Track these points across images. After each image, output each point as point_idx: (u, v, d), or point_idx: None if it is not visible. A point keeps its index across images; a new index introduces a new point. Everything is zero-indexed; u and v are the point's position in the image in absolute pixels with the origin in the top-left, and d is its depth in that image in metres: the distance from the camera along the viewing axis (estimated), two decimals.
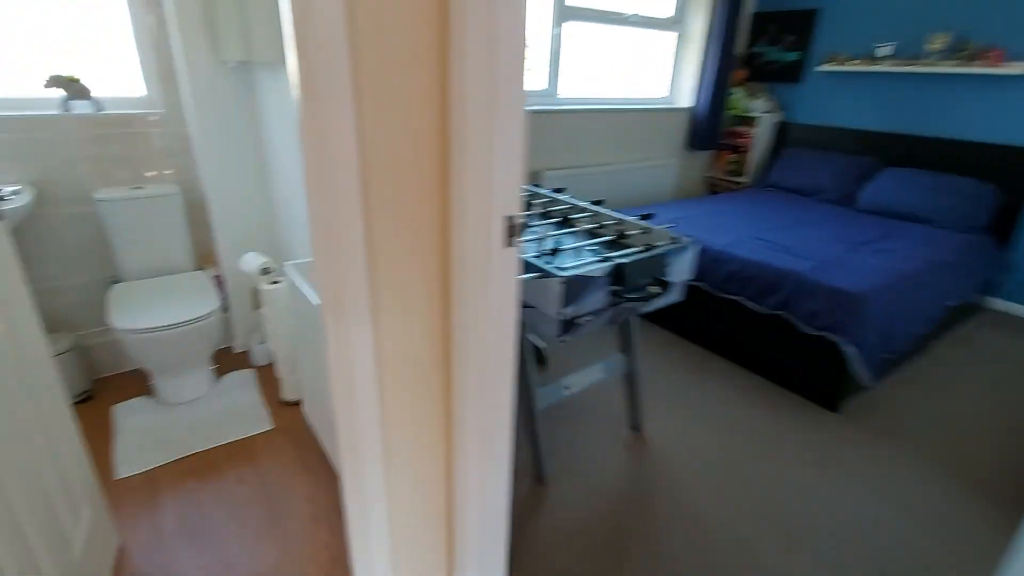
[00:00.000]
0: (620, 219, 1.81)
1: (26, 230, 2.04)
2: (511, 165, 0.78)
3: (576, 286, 1.34)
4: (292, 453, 1.88)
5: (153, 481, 1.74)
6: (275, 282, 1.94)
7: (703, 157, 4.21)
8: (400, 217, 0.78)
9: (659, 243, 1.62)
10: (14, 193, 1.88)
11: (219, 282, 2.36)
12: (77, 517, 1.27)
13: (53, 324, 2.21)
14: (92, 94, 2.02)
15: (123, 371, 2.32)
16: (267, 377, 2.31)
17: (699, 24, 3.66)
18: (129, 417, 2.01)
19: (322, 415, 1.77)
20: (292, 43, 0.65)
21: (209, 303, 2.01)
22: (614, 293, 1.43)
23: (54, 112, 1.98)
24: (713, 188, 4.33)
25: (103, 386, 2.21)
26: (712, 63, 3.65)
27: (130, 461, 1.79)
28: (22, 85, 1.97)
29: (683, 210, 3.17)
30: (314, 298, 1.55)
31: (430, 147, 0.77)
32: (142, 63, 2.15)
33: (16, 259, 1.13)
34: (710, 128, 3.84)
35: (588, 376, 1.81)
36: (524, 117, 0.78)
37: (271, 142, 2.06)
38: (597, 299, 1.40)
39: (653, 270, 1.48)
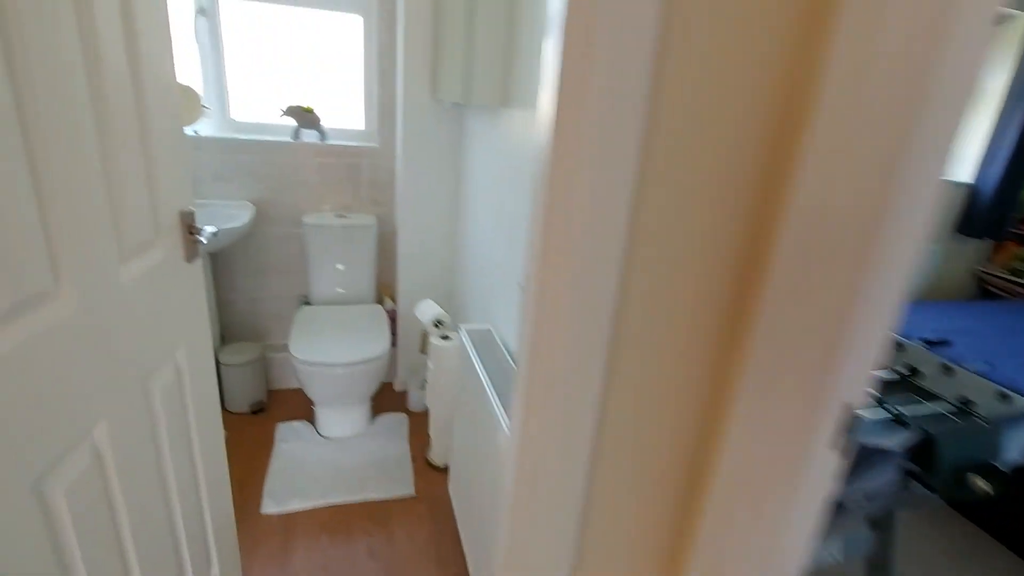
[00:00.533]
0: (901, 341, 1.28)
1: (243, 244, 2.18)
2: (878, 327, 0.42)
3: (852, 456, 0.89)
4: (428, 532, 1.66)
5: (290, 527, 1.65)
6: (446, 337, 1.78)
7: (976, 247, 3.25)
8: (661, 378, 0.46)
9: (977, 399, 1.08)
10: (240, 209, 2.01)
11: (392, 316, 2.31)
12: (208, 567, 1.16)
13: (247, 333, 2.34)
14: (321, 124, 2.10)
15: (296, 387, 2.37)
16: (420, 426, 2.17)
17: (1000, 81, 2.84)
18: (287, 441, 2.00)
19: (465, 501, 1.52)
20: (558, 83, 0.38)
21: (381, 345, 1.92)
22: (911, 475, 0.94)
23: (286, 139, 2.09)
24: (985, 289, 3.32)
25: (276, 398, 2.27)
26: (1014, 131, 2.79)
27: (276, 497, 1.73)
28: (266, 112, 2.12)
29: (950, 318, 2.38)
30: (483, 373, 1.32)
31: (734, 293, 0.44)
32: (366, 98, 2.20)
33: (204, 291, 1.06)
34: (996, 210, 2.94)
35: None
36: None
37: (470, 191, 1.93)
38: (878, 481, 0.93)
39: (981, 449, 0.96)
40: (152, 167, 0.84)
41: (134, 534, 0.82)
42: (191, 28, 1.94)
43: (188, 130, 1.98)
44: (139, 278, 0.82)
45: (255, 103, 2.12)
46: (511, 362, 1.39)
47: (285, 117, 2.03)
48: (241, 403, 2.14)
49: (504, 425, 1.11)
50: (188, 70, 1.98)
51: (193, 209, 0.97)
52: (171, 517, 0.96)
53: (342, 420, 2.05)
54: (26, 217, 0.60)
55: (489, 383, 1.27)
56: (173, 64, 0.90)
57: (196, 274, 1.01)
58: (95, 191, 0.71)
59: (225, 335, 2.29)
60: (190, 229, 0.95)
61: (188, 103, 1.93)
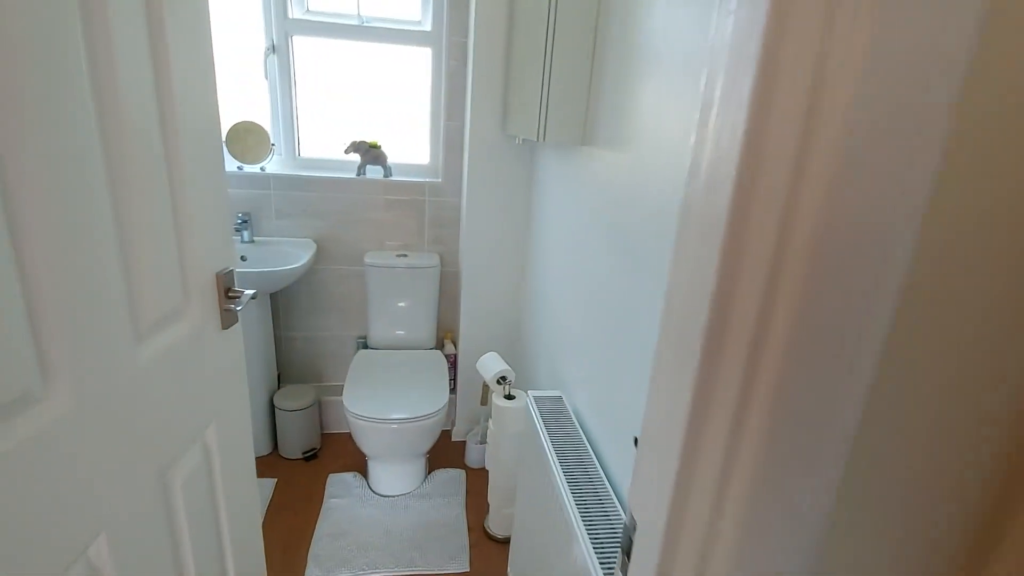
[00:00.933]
0: None
1: (304, 281, 2.11)
2: None
3: None
4: None
5: None
6: (510, 396, 1.60)
7: None
8: None
9: None
10: (301, 247, 1.94)
11: (453, 362, 2.16)
12: None
13: (305, 373, 2.26)
14: (386, 160, 2.02)
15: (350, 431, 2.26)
16: (478, 486, 1.98)
17: None
18: (337, 497, 1.87)
19: None
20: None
21: (439, 398, 1.78)
22: None
23: (350, 175, 2.03)
24: None
25: (330, 443, 2.16)
26: None
27: (322, 564, 1.59)
28: (332, 148, 2.07)
29: None
30: (554, 460, 1.13)
31: None
32: (431, 132, 2.11)
33: (242, 358, 0.93)
34: None
35: None
36: None
37: (542, 237, 1.77)
38: None
39: None
40: (183, 223, 0.73)
41: None
42: (262, 66, 1.93)
43: (255, 168, 1.95)
44: (160, 357, 0.70)
45: (321, 139, 2.08)
46: (586, 441, 1.18)
47: (347, 153, 1.96)
48: (294, 449, 2.04)
49: (581, 538, 0.90)
50: (259, 109, 1.97)
51: (233, 268, 0.85)
52: None
53: (395, 476, 1.90)
54: (5, 308, 0.48)
55: (561, 473, 1.07)
56: (215, 105, 0.79)
57: (233, 341, 0.89)
58: (103, 260, 0.59)
59: (282, 375, 2.22)
60: (228, 292, 0.84)
61: (257, 142, 1.90)
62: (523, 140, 1.75)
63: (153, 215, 0.67)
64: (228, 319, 0.84)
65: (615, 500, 1.01)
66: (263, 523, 1.73)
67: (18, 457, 0.50)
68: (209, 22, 0.78)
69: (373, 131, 2.07)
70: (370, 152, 1.99)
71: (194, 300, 0.77)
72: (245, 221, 1.95)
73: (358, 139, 1.97)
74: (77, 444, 0.57)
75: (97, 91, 0.57)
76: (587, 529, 0.93)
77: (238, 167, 1.93)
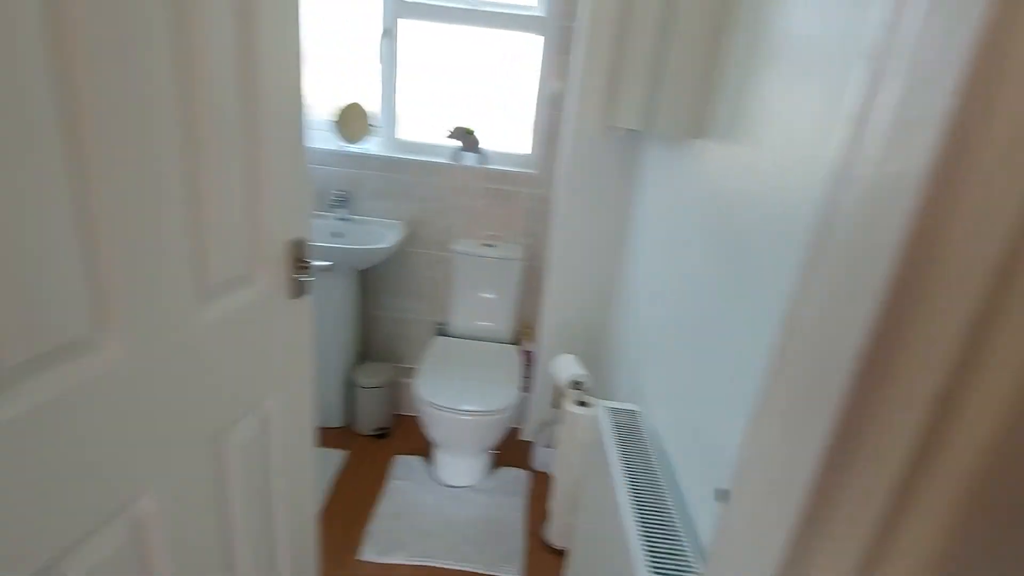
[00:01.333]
0: None
1: (393, 263, 2.14)
2: None
3: None
4: None
5: None
6: (583, 403, 1.50)
7: None
8: None
9: None
10: (390, 228, 1.96)
11: (529, 359, 2.09)
12: None
13: (386, 353, 2.30)
14: (480, 147, 1.98)
15: None
16: (541, 491, 1.90)
17: None
18: (401, 479, 1.87)
19: None
20: None
21: (510, 394, 1.72)
22: None
23: (444, 160, 2.01)
24: None
25: (401, 424, 2.18)
26: None
27: (378, 544, 1.59)
28: (429, 131, 2.07)
29: None
30: (617, 465, 1.02)
31: None
32: (535, 122, 2.04)
33: (310, 330, 0.92)
34: None
35: None
36: None
37: (638, 237, 1.64)
38: None
39: None
40: (258, 191, 0.71)
41: None
42: (376, 49, 1.96)
43: (355, 148, 2.00)
44: (221, 319, 0.68)
45: (419, 122, 2.08)
46: (660, 465, 1.06)
47: (450, 138, 1.95)
48: (367, 425, 2.08)
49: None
50: (369, 89, 2.01)
51: (305, 238, 0.83)
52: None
53: (460, 467, 1.87)
54: (59, 249, 0.47)
55: (627, 496, 0.96)
56: (299, 77, 0.77)
57: (302, 312, 0.87)
58: (171, 214, 0.58)
59: (364, 353, 2.28)
60: (299, 262, 0.82)
61: (356, 121, 1.94)
62: (627, 132, 1.62)
63: (226, 176, 0.65)
64: (297, 289, 0.83)
65: (687, 540, 0.88)
66: (332, 493, 1.77)
67: (64, 405, 0.50)
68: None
69: (470, 117, 2.04)
70: (466, 138, 1.97)
71: (264, 265, 0.76)
72: (343, 199, 2.00)
73: (458, 125, 1.95)
74: (127, 398, 0.56)
75: (179, 48, 0.55)
76: (650, 566, 0.82)
77: (341, 145, 1.99)
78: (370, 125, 1.97)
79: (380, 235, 1.94)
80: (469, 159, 2.02)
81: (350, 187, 2.04)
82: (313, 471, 1.02)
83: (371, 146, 2.04)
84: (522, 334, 2.21)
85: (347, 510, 1.72)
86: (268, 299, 0.77)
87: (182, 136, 0.58)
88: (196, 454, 0.69)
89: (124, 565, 0.60)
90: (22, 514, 0.47)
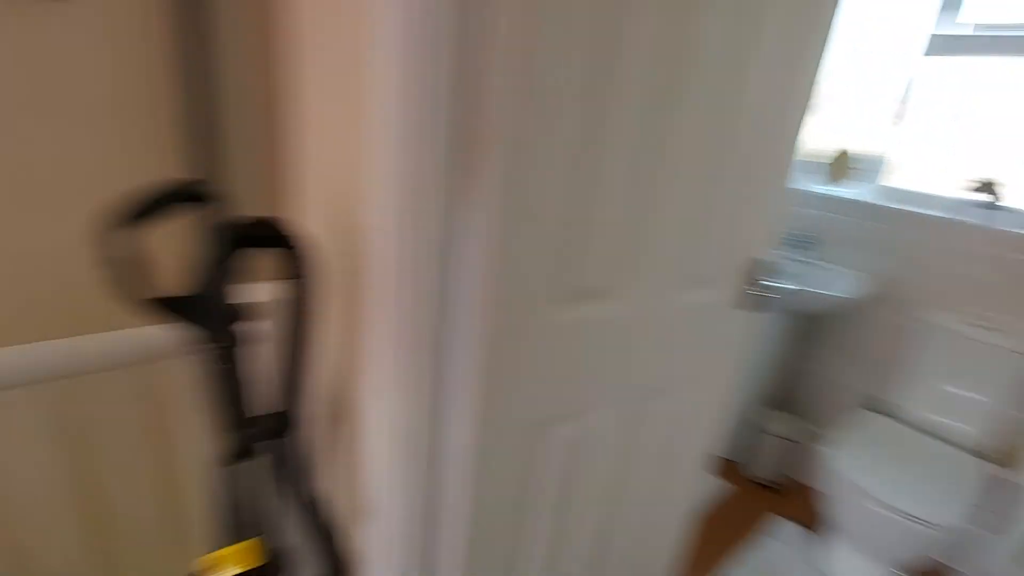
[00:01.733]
0: None
1: (837, 315, 1.96)
2: None
3: None
4: None
5: None
6: None
7: None
8: None
9: None
10: (846, 278, 1.80)
11: (1003, 489, 1.55)
12: None
13: (790, 404, 2.14)
14: (1000, 203, 1.57)
15: (808, 484, 2.01)
16: None
17: None
18: (773, 538, 1.73)
19: None
20: None
21: (952, 512, 1.34)
22: None
23: (941, 214, 1.69)
24: None
25: (792, 486, 2.00)
26: None
27: None
28: (924, 179, 1.77)
29: None
30: None
31: None
32: None
33: (742, 344, 1.00)
34: None
35: None
36: None
37: None
38: None
39: None
40: (737, 213, 0.83)
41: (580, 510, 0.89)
42: (894, 87, 1.81)
43: (832, 190, 1.91)
44: (683, 308, 0.84)
45: (920, 168, 1.80)
46: None
47: (976, 192, 1.62)
48: (758, 471, 2.01)
49: None
50: (858, 128, 1.88)
51: (764, 259, 0.90)
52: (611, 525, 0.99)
53: (854, 565, 1.58)
54: (623, 222, 0.70)
55: None
56: (800, 123, 0.84)
57: (743, 326, 0.95)
58: (673, 221, 0.76)
59: (774, 399, 2.18)
60: (753, 279, 0.90)
61: (838, 163, 1.86)
62: None
63: (720, 192, 0.80)
64: (744, 301, 0.91)
65: None
66: (699, 515, 1.81)
67: (592, 324, 0.73)
68: (822, 50, 0.81)
69: (990, 167, 1.63)
70: (988, 192, 1.59)
71: (724, 275, 0.87)
72: (808, 242, 1.95)
73: (984, 177, 1.59)
74: (622, 334, 0.78)
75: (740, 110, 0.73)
76: None
77: (808, 186, 1.94)
78: (850, 168, 1.84)
79: (835, 283, 1.80)
80: (979, 217, 1.63)
81: (817, 230, 1.96)
82: (697, 473, 1.10)
83: (851, 190, 1.90)
84: (1008, 455, 1.65)
85: (707, 538, 1.72)
86: (721, 303, 0.89)
87: (711, 159, 0.75)
88: (628, 405, 0.87)
89: (570, 454, 0.84)
90: (540, 384, 0.73)
